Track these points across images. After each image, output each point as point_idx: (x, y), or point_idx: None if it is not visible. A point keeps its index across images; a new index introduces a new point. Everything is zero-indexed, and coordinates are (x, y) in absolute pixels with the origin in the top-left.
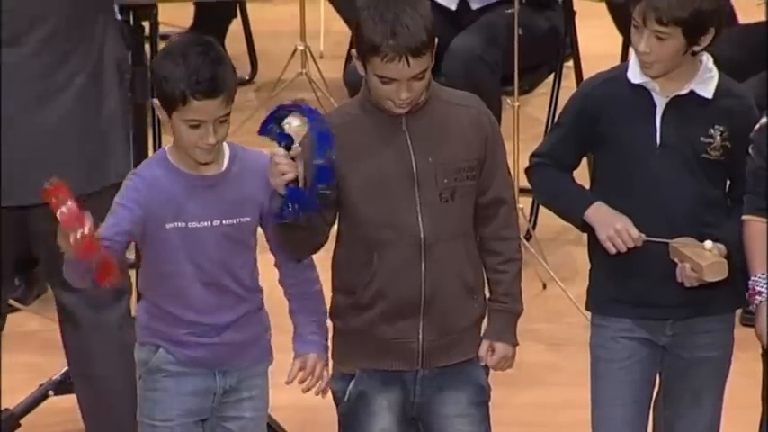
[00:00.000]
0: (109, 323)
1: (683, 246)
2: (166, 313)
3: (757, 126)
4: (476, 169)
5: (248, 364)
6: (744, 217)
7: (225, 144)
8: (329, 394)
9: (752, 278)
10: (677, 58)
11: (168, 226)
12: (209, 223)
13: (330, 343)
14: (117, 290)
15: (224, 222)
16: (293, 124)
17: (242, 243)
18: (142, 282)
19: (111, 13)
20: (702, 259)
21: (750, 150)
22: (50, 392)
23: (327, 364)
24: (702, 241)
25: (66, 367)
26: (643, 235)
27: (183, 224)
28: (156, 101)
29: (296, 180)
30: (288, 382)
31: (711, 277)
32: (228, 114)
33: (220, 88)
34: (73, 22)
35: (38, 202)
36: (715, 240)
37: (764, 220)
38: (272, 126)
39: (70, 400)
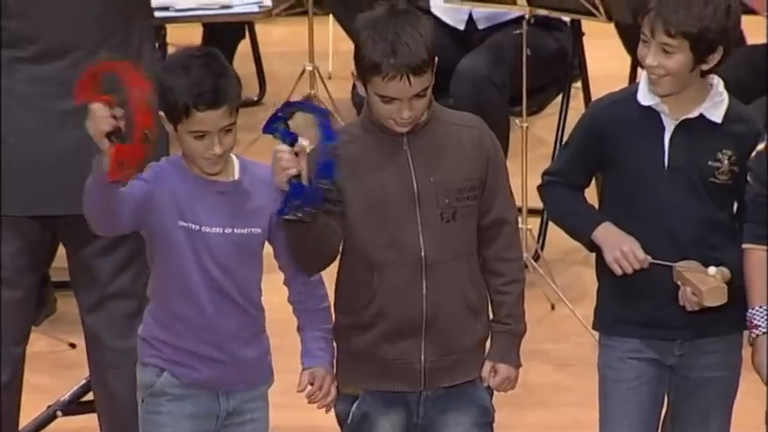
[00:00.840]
0: (130, 347)
1: (686, 270)
2: (173, 318)
3: (754, 153)
4: (477, 189)
5: (250, 386)
6: (744, 246)
7: (233, 156)
8: (333, 414)
9: (750, 310)
10: (685, 74)
11: (181, 224)
12: (222, 230)
13: (334, 364)
14: (137, 308)
15: (235, 231)
16: (299, 121)
17: (250, 254)
18: (151, 284)
19: (148, 31)
20: (703, 284)
21: (748, 178)
22: (58, 413)
23: (334, 380)
24: (708, 265)
25: (75, 388)
26: (649, 257)
27: (197, 227)
28: (161, 113)
29: (299, 176)
30: (300, 391)
31: (710, 302)
32: (233, 124)
33: (222, 99)
34: (109, 38)
35: (69, 212)
36: (720, 264)
37: (764, 248)
38: (277, 124)
39: (78, 420)
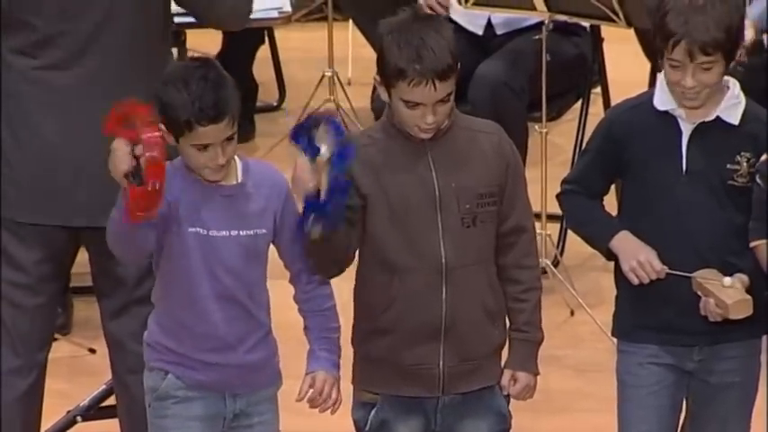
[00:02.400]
0: None
1: (706, 280)
2: (178, 325)
3: (764, 156)
4: (497, 196)
5: (257, 388)
6: (753, 244)
7: (236, 158)
8: (347, 420)
9: None
10: (720, 81)
11: (190, 230)
12: (228, 233)
13: (351, 369)
14: None
15: (242, 233)
16: (321, 133)
17: (257, 256)
18: (156, 290)
19: (169, 44)
20: (727, 297)
21: (757, 179)
22: (78, 418)
23: (337, 383)
24: (727, 271)
25: (94, 393)
26: (666, 267)
27: (205, 231)
28: (161, 126)
29: (318, 191)
30: (298, 400)
31: (736, 315)
32: (235, 133)
33: (224, 112)
34: (134, 47)
35: (90, 224)
36: (738, 270)
37: None
38: (300, 134)
39: (98, 426)
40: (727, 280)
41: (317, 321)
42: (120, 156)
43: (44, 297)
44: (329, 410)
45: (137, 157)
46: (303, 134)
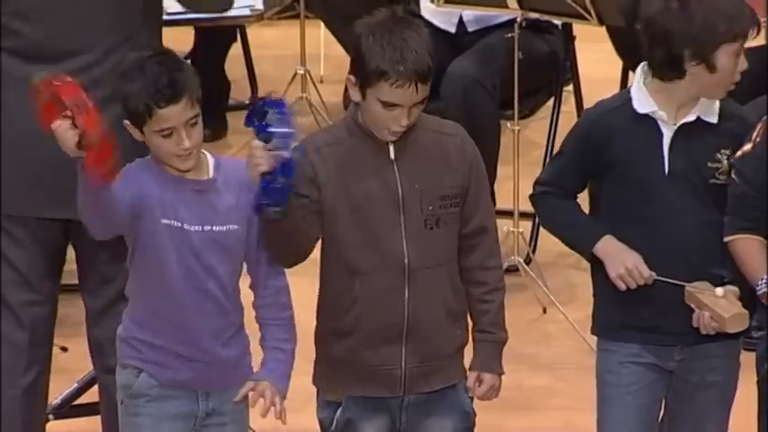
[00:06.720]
0: None
1: (700, 292)
2: (154, 317)
3: (740, 152)
4: (459, 197)
5: (230, 386)
6: (729, 238)
7: (208, 154)
8: (314, 419)
9: (758, 286)
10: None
11: (164, 221)
12: (201, 227)
13: (313, 369)
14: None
15: (215, 228)
16: (272, 118)
17: (230, 251)
18: (131, 284)
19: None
20: (724, 310)
21: (733, 175)
22: (50, 417)
23: (281, 394)
24: (715, 277)
25: (66, 392)
26: (653, 274)
27: (179, 224)
28: (126, 122)
29: (272, 173)
30: (235, 401)
31: (733, 329)
32: (197, 116)
33: (181, 91)
34: (122, 43)
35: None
36: (725, 276)
37: (751, 236)
38: (253, 118)
39: (69, 424)
40: (720, 290)
41: (272, 332)
42: (62, 134)
43: (41, 295)
44: (276, 414)
45: (76, 126)
46: (255, 117)
